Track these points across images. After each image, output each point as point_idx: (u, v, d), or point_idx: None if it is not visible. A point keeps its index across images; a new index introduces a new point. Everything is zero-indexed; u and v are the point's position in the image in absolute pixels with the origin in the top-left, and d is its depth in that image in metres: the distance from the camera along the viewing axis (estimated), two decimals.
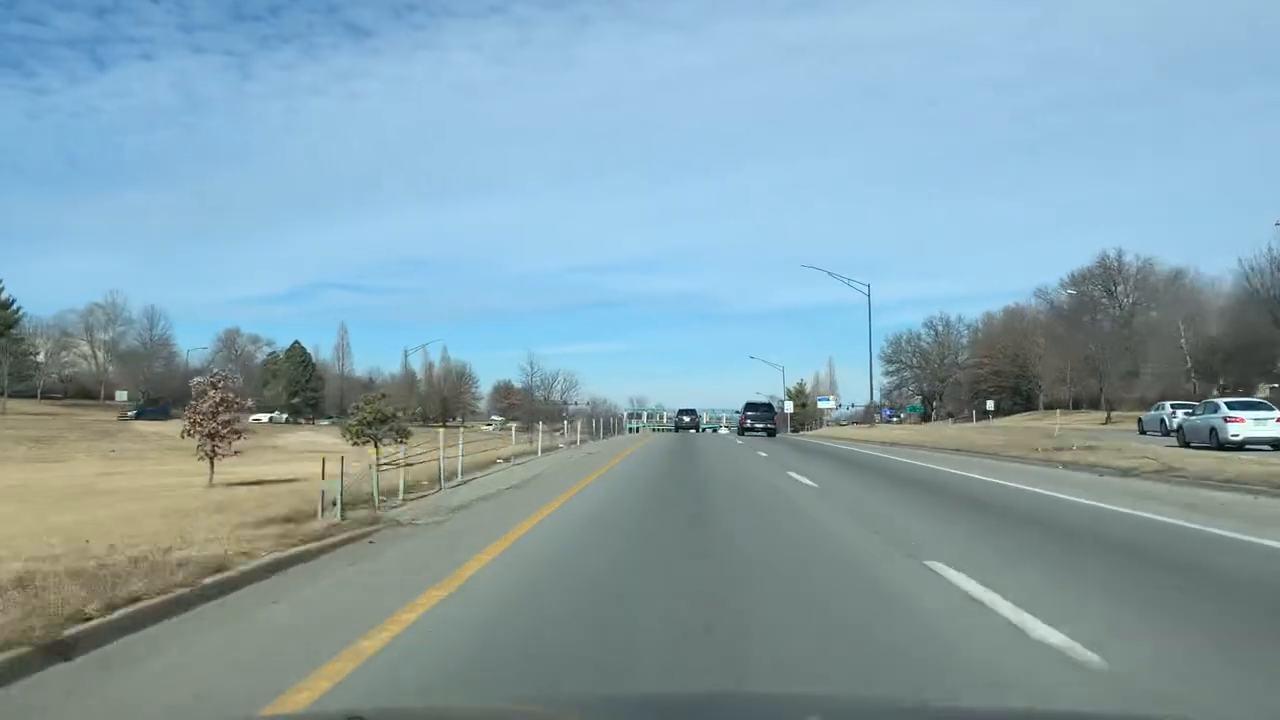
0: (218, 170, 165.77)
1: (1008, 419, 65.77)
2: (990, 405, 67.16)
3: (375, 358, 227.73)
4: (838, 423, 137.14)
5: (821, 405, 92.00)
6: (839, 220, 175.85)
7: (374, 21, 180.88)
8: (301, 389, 73.85)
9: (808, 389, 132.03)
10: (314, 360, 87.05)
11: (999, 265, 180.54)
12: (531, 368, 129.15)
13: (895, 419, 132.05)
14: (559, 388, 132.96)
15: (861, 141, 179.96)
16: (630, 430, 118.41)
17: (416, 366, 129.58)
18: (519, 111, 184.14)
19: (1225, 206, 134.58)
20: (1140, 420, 40.24)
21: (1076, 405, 67.60)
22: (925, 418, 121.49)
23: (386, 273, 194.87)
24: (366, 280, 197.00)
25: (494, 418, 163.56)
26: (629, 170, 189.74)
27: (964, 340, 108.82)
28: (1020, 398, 77.13)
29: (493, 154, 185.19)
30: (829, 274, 54.27)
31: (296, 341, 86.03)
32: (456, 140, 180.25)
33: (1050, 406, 67.43)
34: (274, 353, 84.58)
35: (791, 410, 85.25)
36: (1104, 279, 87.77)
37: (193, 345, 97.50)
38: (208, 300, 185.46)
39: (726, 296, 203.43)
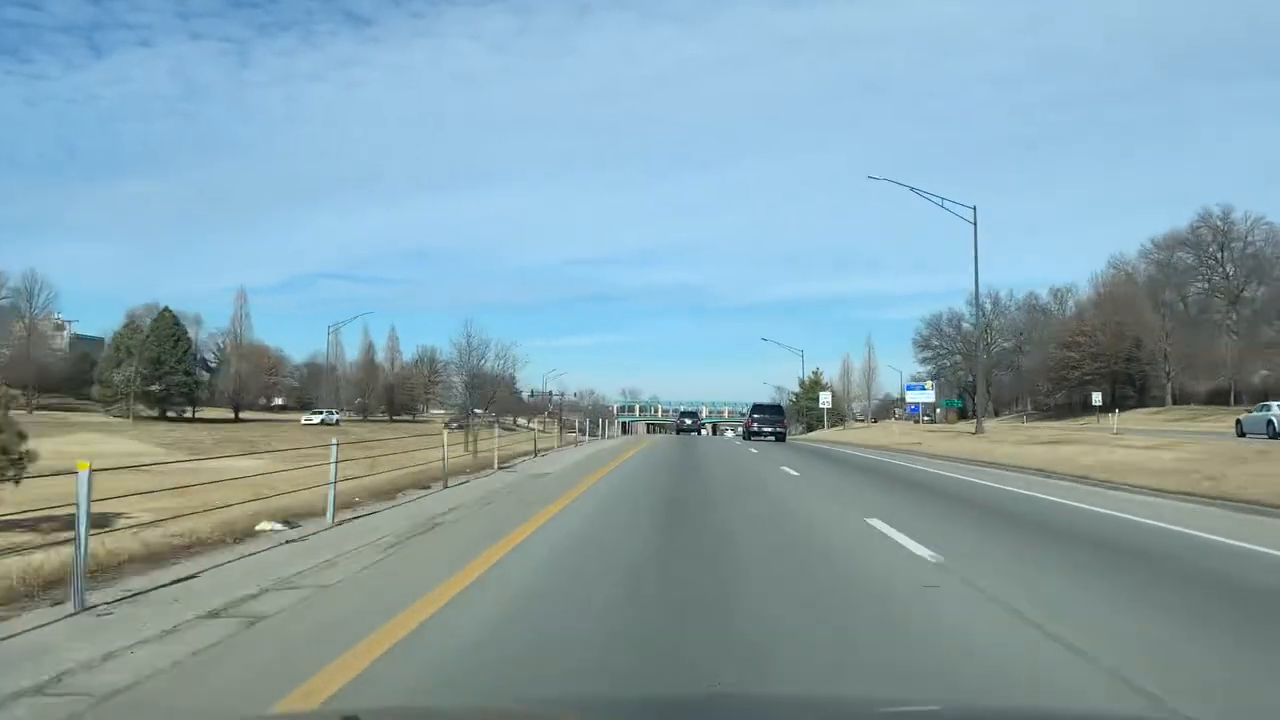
0: (216, 160, 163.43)
1: (1129, 417, 48.22)
2: (1097, 399, 49.44)
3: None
4: (853, 418, 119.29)
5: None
6: (837, 215, 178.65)
7: (373, 9, 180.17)
8: (169, 372, 56.31)
9: (824, 379, 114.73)
10: (190, 335, 68.53)
11: (999, 259, 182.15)
12: (468, 342, 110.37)
13: (926, 416, 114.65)
14: (491, 361, 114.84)
15: (860, 136, 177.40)
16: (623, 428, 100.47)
17: (359, 350, 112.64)
18: (519, 102, 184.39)
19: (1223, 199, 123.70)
20: (1239, 422, 35.91)
21: (1236, 399, 50.00)
22: (963, 414, 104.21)
23: (384, 264, 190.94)
24: (364, 271, 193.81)
25: (476, 411, 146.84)
26: (628, 163, 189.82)
27: (1014, 315, 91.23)
28: (1132, 388, 59.74)
29: (492, 145, 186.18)
30: (912, 190, 36.49)
31: (165, 309, 66.78)
32: (456, 131, 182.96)
33: (1182, 400, 50.09)
34: (131, 322, 65.47)
35: (829, 405, 66.86)
36: (1198, 245, 70.61)
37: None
38: (204, 290, 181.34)
39: (726, 290, 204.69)
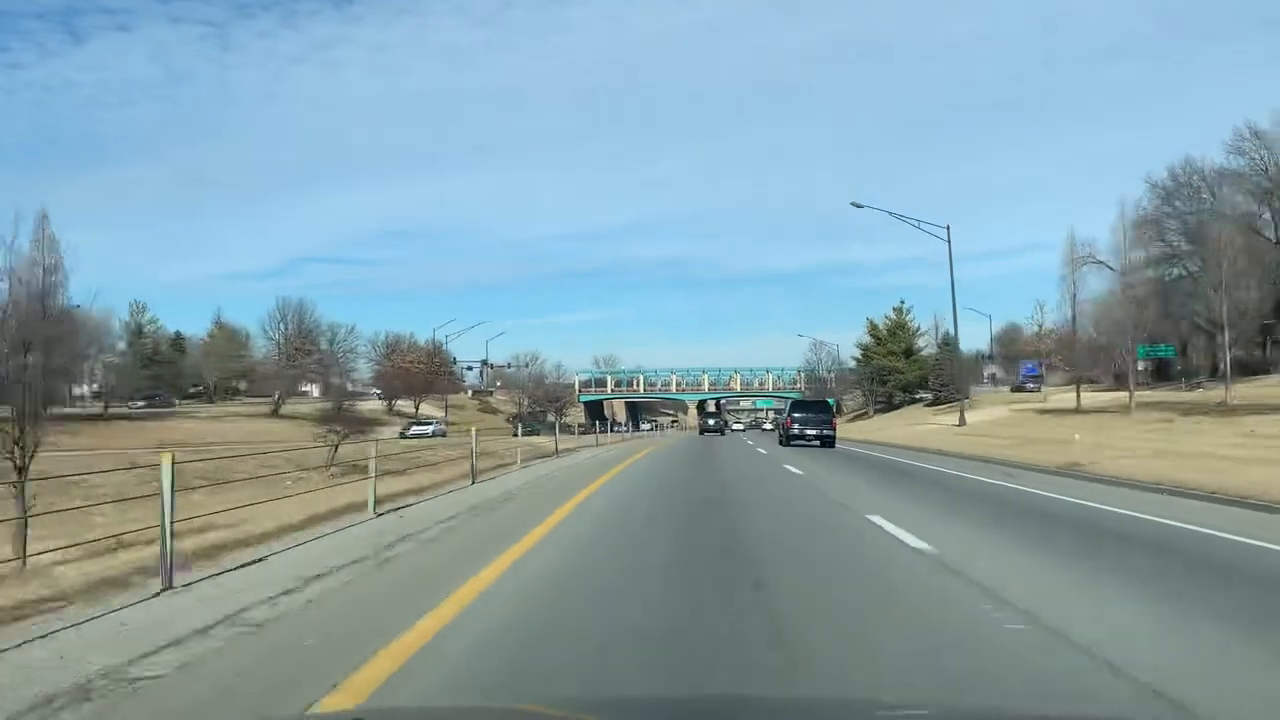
0: (200, 144, 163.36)
1: None
2: None
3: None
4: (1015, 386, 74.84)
5: None
6: (833, 184, 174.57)
7: None
8: None
9: (911, 320, 71.69)
10: None
11: (997, 222, 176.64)
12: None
13: (1033, 382, 69.91)
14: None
15: (854, 101, 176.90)
16: (578, 426, 57.74)
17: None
18: (506, 78, 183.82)
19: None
20: None
21: None
22: (1162, 371, 61.97)
23: (370, 245, 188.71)
24: (350, 253, 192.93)
25: (373, 392, 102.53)
26: (619, 136, 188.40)
27: None
28: None
29: (478, 122, 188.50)
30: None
31: None
32: (441, 108, 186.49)
33: None
34: None
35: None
36: None
37: None
38: (192, 277, 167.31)
39: (725, 261, 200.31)
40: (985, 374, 74.49)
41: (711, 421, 60.25)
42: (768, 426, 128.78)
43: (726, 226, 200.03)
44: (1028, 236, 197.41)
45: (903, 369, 68.29)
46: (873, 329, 74.28)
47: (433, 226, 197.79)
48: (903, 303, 72.79)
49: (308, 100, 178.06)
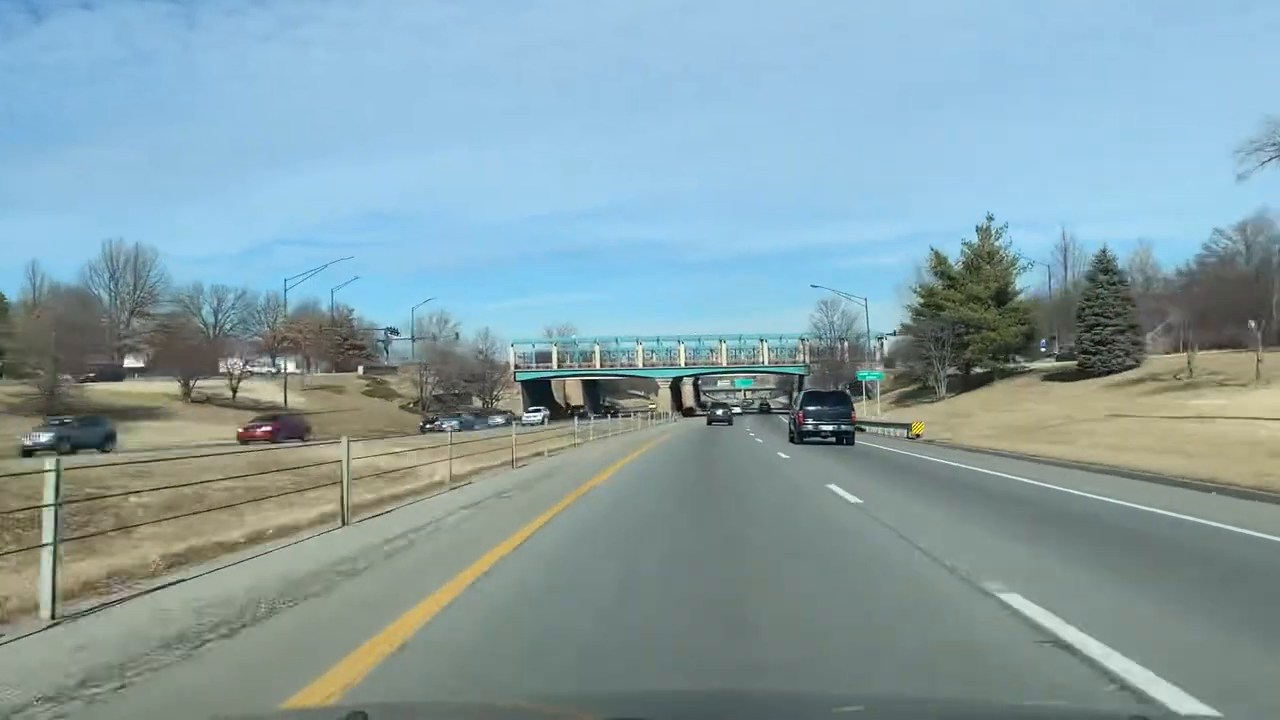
0: (168, 125, 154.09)
1: None
2: None
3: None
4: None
5: None
6: (815, 163, 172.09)
7: None
8: None
9: (1008, 254, 48.51)
10: None
11: (984, 203, 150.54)
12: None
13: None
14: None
15: (835, 81, 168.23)
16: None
17: None
18: (480, 54, 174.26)
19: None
20: None
21: None
22: None
23: (345, 227, 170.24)
24: (324, 236, 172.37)
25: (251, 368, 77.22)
26: (594, 115, 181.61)
27: None
28: None
29: (450, 100, 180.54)
30: None
31: None
32: (412, 86, 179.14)
33: None
34: None
35: None
36: None
37: None
38: (164, 260, 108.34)
39: (706, 242, 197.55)
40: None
41: (720, 413, 63.50)
42: (771, 407, 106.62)
43: (711, 207, 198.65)
44: (1018, 213, 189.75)
45: (993, 322, 45.62)
46: (938, 263, 50.91)
47: (408, 208, 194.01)
48: (990, 219, 49.15)
49: (277, 80, 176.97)
